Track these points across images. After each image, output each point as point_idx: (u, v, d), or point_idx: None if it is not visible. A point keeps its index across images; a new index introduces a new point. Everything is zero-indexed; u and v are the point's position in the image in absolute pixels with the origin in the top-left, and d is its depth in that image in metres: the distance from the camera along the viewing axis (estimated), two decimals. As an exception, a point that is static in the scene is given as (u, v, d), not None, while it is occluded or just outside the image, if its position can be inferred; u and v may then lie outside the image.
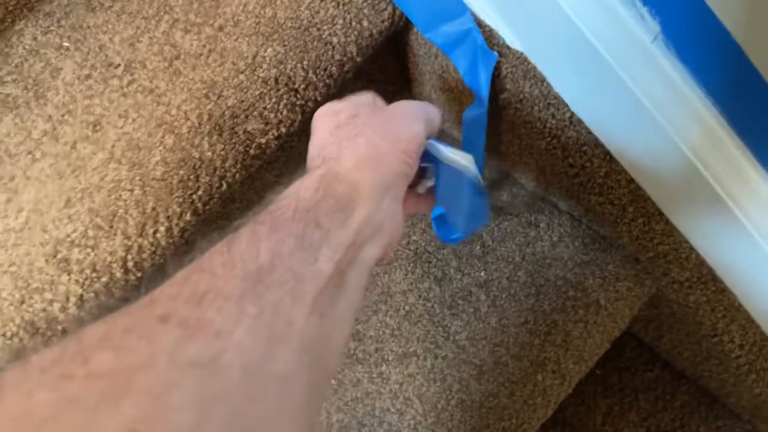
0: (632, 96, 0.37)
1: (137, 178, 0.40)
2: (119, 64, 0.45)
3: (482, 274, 0.54)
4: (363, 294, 0.29)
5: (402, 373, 0.52)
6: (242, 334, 0.21)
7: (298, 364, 0.22)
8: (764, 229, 0.41)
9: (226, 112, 0.41)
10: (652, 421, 0.66)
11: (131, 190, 0.40)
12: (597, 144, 0.44)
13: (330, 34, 0.43)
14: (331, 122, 0.32)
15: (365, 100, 0.34)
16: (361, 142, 0.30)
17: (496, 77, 0.45)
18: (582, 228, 0.54)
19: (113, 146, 0.41)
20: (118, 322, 0.20)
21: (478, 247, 0.55)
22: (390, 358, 0.52)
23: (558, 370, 0.49)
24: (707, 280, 0.48)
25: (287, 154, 0.52)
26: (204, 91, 0.42)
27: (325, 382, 0.26)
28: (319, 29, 0.43)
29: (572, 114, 0.44)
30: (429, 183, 0.38)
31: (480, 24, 0.44)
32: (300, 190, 0.27)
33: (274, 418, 0.21)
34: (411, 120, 0.33)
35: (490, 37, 0.44)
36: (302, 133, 0.49)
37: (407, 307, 0.54)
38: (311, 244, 0.25)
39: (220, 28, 0.44)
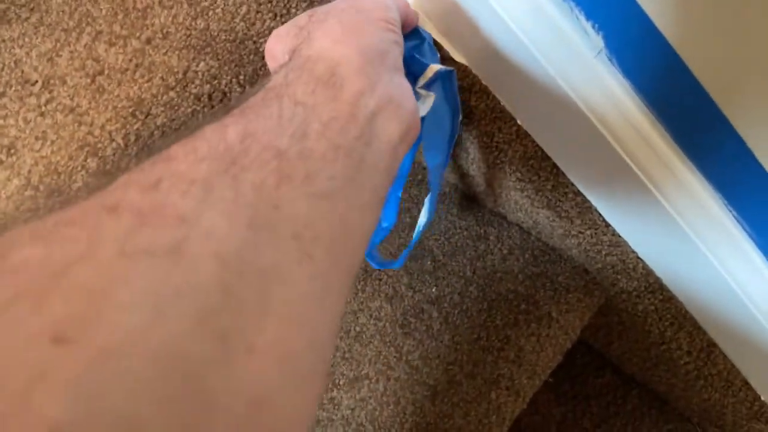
0: (577, 110, 0.37)
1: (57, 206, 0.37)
2: (36, 81, 0.41)
3: (434, 290, 0.53)
4: (389, 177, 0.25)
5: (354, 397, 0.50)
6: (214, 218, 0.17)
7: (293, 254, 0.19)
8: (707, 239, 0.41)
9: (156, 132, 0.38)
10: (605, 427, 0.67)
11: (51, 219, 0.36)
12: (544, 157, 0.44)
13: (267, 48, 0.41)
14: (291, 30, 0.29)
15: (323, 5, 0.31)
16: (332, 22, 0.27)
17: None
18: (531, 240, 0.53)
19: (30, 171, 0.38)
20: (56, 216, 0.16)
21: (429, 263, 0.54)
22: (341, 383, 0.50)
23: (512, 386, 0.48)
24: (654, 289, 0.49)
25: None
26: (130, 110, 0.39)
27: (343, 273, 0.21)
28: (255, 42, 0.40)
29: (519, 128, 0.43)
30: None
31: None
32: (266, 82, 0.24)
33: (263, 316, 0.17)
34: None
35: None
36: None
37: (358, 328, 0.52)
38: (292, 120, 0.22)
39: (148, 41, 0.41)
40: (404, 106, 0.26)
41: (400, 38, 0.29)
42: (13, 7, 0.45)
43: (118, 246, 0.15)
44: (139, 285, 0.15)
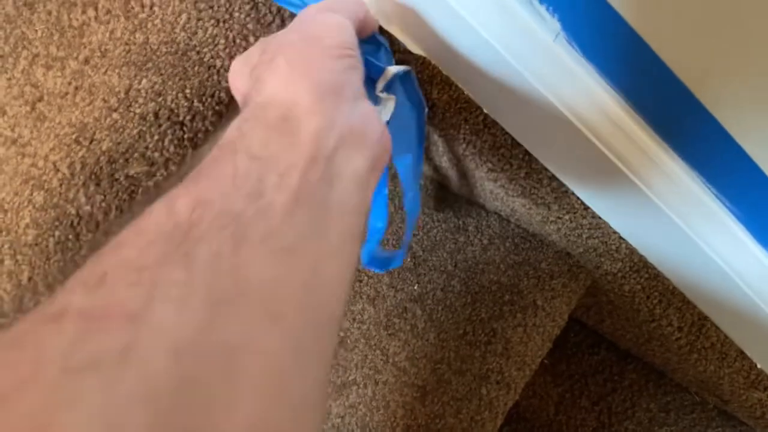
0: (541, 96, 0.35)
1: (6, 246, 0.35)
2: (-26, 113, 0.39)
3: (416, 287, 0.51)
4: (361, 213, 0.24)
5: (343, 404, 0.49)
6: (166, 308, 0.16)
7: (262, 320, 0.18)
8: (685, 215, 0.40)
9: (102, 158, 0.36)
10: (603, 404, 0.66)
11: (0, 261, 0.35)
12: (514, 145, 0.42)
13: (212, 57, 0.38)
14: (244, 69, 0.28)
15: (275, 34, 0.29)
16: (280, 62, 0.25)
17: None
18: (511, 228, 0.52)
19: (-26, 211, 0.36)
20: (2, 338, 0.16)
21: (409, 259, 0.52)
22: (329, 390, 0.49)
23: (502, 380, 0.47)
24: (639, 268, 0.47)
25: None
26: (74, 136, 0.37)
27: (321, 325, 0.20)
28: (199, 52, 0.38)
29: (486, 117, 0.41)
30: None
31: (379, 31, 0.41)
32: (220, 140, 0.23)
33: (234, 394, 0.16)
34: (325, 15, 0.28)
35: (390, 43, 0.41)
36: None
37: (342, 333, 0.51)
38: (247, 177, 0.20)
39: (86, 61, 0.39)
40: (368, 134, 0.25)
41: (357, 61, 0.27)
42: (-56, 35, 0.43)
43: (62, 362, 0.15)
44: (86, 404, 0.14)
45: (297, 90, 0.24)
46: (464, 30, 0.34)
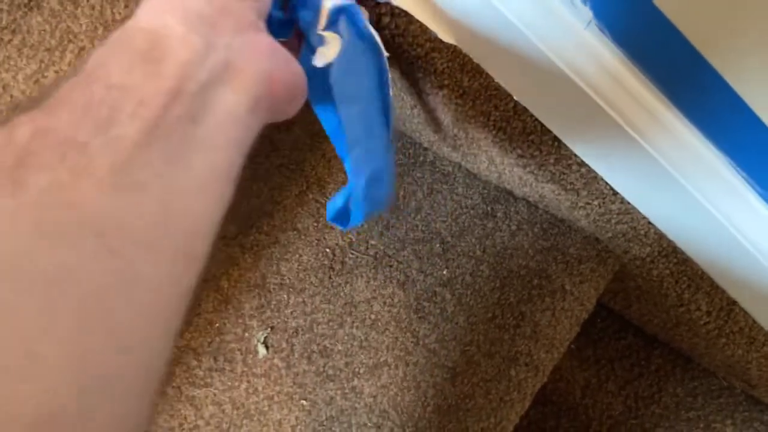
0: (573, 83, 0.36)
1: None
2: (26, 104, 0.41)
3: (445, 272, 0.52)
4: (236, 151, 0.23)
5: (375, 384, 0.50)
6: None
7: (90, 252, 0.17)
8: (714, 198, 0.40)
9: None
10: (630, 388, 0.67)
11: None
12: (544, 131, 0.43)
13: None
14: None
15: None
16: None
17: (433, 73, 0.43)
18: (539, 213, 0.53)
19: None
20: None
21: (438, 245, 0.53)
22: (361, 371, 0.51)
23: (531, 362, 0.48)
24: (668, 252, 0.48)
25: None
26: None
27: (170, 262, 0.20)
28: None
29: (516, 104, 0.42)
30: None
31: (411, 20, 0.42)
32: (80, 63, 0.21)
33: (50, 322, 0.16)
34: None
35: (422, 32, 0.42)
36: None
37: (373, 316, 0.52)
38: (100, 107, 0.19)
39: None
40: (249, 71, 0.23)
41: None
42: (-5, 31, 0.45)
43: None
44: None
45: (170, 17, 0.22)
46: (496, 18, 0.35)
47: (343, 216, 0.35)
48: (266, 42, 0.25)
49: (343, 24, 0.32)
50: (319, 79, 0.32)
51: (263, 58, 0.24)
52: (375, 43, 0.34)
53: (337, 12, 0.32)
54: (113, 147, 0.19)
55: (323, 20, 0.32)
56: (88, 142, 0.18)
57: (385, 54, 0.35)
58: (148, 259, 0.19)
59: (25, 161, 0.18)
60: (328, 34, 0.32)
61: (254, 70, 0.24)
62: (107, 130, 0.19)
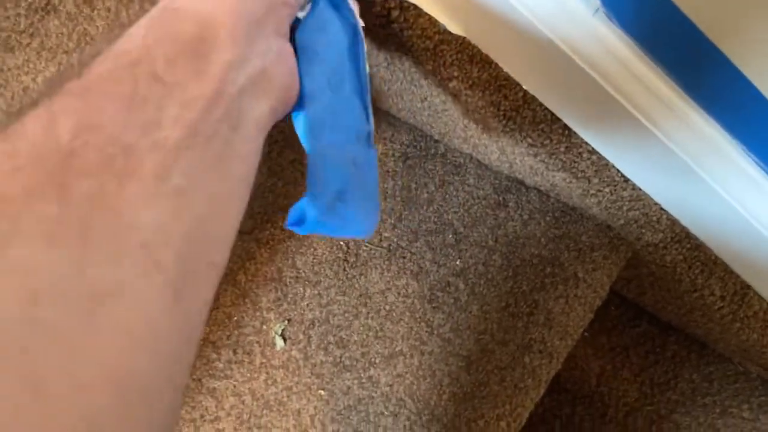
0: (581, 70, 0.36)
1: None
2: (46, 106, 0.42)
3: (458, 262, 0.53)
4: (256, 161, 0.22)
5: (391, 374, 0.51)
6: (25, 246, 0.15)
7: (138, 266, 0.17)
8: (724, 181, 0.40)
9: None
10: (645, 375, 0.67)
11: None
12: (554, 120, 0.43)
13: None
14: None
15: None
16: None
17: (442, 65, 0.43)
18: (551, 202, 0.53)
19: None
20: None
21: (451, 236, 0.54)
22: (377, 361, 0.52)
23: (545, 349, 0.49)
24: (681, 238, 0.48)
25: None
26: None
27: (201, 273, 0.19)
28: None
29: (525, 93, 0.43)
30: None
31: (420, 13, 0.42)
32: (122, 44, 0.19)
33: (91, 342, 0.15)
34: None
35: (431, 24, 0.42)
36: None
37: (387, 307, 0.53)
38: (146, 104, 0.18)
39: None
40: (277, 81, 0.23)
41: None
42: (13, 35, 0.46)
43: None
44: None
45: (219, 7, 0.21)
46: (504, 8, 0.36)
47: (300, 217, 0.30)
48: (292, 53, 0.25)
49: None
50: None
51: (289, 70, 0.24)
52: (349, 10, 0.32)
53: None
54: (158, 150, 0.18)
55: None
56: (134, 144, 0.17)
57: (360, 23, 0.33)
58: (185, 271, 0.18)
59: (70, 164, 0.16)
60: None
61: (282, 82, 0.23)
62: (153, 132, 0.18)
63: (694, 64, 0.33)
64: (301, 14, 0.29)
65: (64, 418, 0.14)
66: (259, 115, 0.22)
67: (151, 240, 0.17)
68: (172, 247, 0.18)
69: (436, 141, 0.57)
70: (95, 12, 0.45)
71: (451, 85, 0.44)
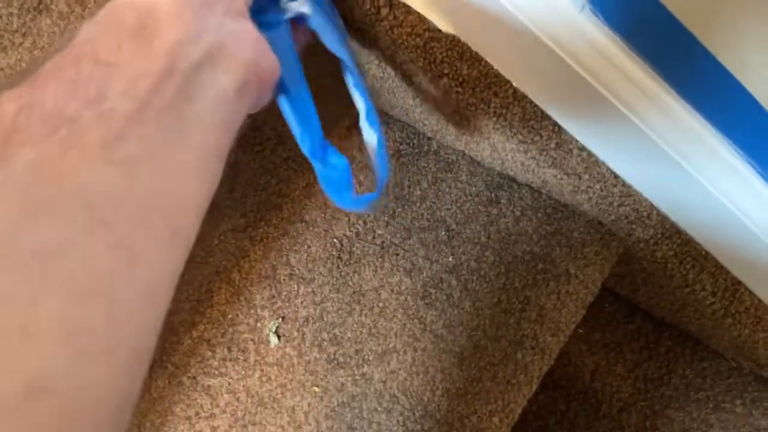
0: (570, 68, 0.37)
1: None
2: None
3: (450, 259, 0.53)
4: (225, 132, 0.23)
5: (384, 370, 0.51)
6: None
7: (83, 226, 0.18)
8: (714, 178, 0.40)
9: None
10: (639, 371, 0.67)
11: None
12: (544, 117, 0.44)
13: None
14: None
15: None
16: None
17: (432, 63, 0.44)
18: (543, 199, 0.53)
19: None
20: None
21: (443, 233, 0.54)
22: (370, 358, 0.52)
23: (537, 345, 0.49)
24: (671, 234, 0.48)
25: (235, 169, 0.51)
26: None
27: (162, 238, 0.20)
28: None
29: (515, 90, 0.43)
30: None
31: (409, 11, 0.42)
32: (68, 41, 0.21)
33: (40, 297, 0.16)
34: None
35: (420, 22, 0.42)
36: (246, 145, 0.48)
37: (381, 304, 0.53)
38: (89, 83, 0.19)
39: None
40: (239, 55, 0.24)
41: None
42: (6, 34, 0.46)
43: None
44: None
45: None
46: (493, 5, 0.36)
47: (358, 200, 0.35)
48: (253, 30, 0.26)
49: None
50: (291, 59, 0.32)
51: (251, 46, 0.25)
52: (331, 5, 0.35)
53: None
54: (104, 121, 0.19)
55: None
56: (79, 116, 0.18)
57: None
58: (139, 233, 0.19)
59: (12, 137, 0.18)
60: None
61: (244, 56, 0.24)
62: (98, 104, 0.19)
63: (679, 60, 0.33)
64: (304, 8, 0.32)
65: (14, 366, 0.15)
66: (220, 89, 0.23)
67: (96, 202, 0.18)
68: (123, 209, 0.19)
69: (429, 138, 0.57)
70: (86, 11, 0.45)
71: (441, 82, 0.44)
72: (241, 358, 0.53)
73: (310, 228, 0.56)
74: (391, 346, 0.52)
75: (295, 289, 0.54)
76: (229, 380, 0.53)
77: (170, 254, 0.21)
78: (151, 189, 0.20)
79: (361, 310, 0.53)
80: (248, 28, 0.25)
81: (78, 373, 0.16)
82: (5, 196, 0.17)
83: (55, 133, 0.18)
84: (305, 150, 0.32)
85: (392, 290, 0.53)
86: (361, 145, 0.58)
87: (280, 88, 0.31)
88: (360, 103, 0.36)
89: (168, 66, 0.21)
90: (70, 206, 0.17)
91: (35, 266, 0.16)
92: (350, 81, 0.35)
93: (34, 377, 0.15)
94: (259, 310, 0.54)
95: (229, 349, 0.53)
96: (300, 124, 0.32)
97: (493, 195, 0.54)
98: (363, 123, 0.35)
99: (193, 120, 0.21)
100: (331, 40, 0.33)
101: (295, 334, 0.53)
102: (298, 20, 0.33)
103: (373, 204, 0.34)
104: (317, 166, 0.33)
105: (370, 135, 0.35)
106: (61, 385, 0.16)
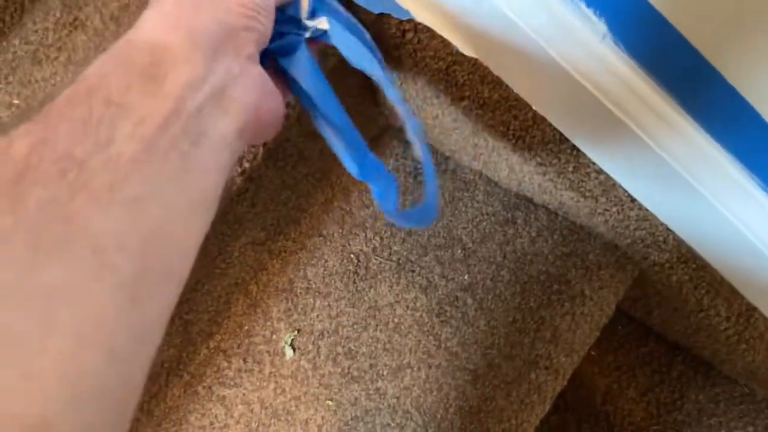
0: (590, 95, 0.37)
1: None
2: (72, 117, 0.44)
3: (466, 277, 0.54)
4: (223, 175, 0.23)
5: (398, 386, 0.52)
6: None
7: (90, 268, 0.18)
8: (730, 204, 0.41)
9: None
10: (651, 395, 0.67)
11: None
12: (562, 140, 0.44)
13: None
14: None
15: None
16: (166, 1, 0.23)
17: (454, 85, 0.45)
18: (559, 220, 0.54)
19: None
20: None
21: (460, 251, 0.55)
22: (385, 373, 0.52)
23: (551, 365, 0.50)
24: (687, 258, 0.49)
25: (257, 184, 0.52)
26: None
27: (161, 280, 0.20)
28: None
29: (534, 113, 0.44)
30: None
31: (433, 35, 0.44)
32: (80, 77, 0.21)
33: (45, 338, 0.16)
34: None
35: (444, 46, 0.43)
36: (269, 160, 0.49)
37: (396, 320, 0.54)
38: (99, 124, 0.20)
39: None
40: (241, 99, 0.24)
41: (257, 23, 0.26)
42: (41, 48, 0.48)
43: None
44: None
45: (173, 33, 0.22)
46: (516, 32, 0.37)
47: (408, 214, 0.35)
48: (259, 74, 0.26)
49: (326, 7, 0.33)
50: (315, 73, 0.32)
51: (255, 90, 0.25)
52: (356, 22, 0.35)
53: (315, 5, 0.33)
54: (112, 164, 0.19)
55: (306, 4, 0.32)
56: (87, 159, 0.19)
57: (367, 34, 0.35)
58: (140, 274, 0.19)
59: (24, 176, 0.18)
60: (309, 23, 0.32)
61: (246, 99, 0.24)
62: (105, 148, 0.19)
63: (698, 88, 0.34)
64: (324, 25, 0.32)
65: (17, 410, 0.16)
66: (222, 132, 0.23)
67: (103, 245, 0.18)
68: (127, 252, 0.19)
69: (447, 157, 0.58)
70: (121, 29, 0.47)
71: (462, 104, 0.45)
72: (257, 369, 0.54)
73: (328, 243, 0.56)
74: (405, 362, 0.52)
75: (312, 302, 0.55)
76: (244, 391, 0.53)
77: (165, 295, 0.21)
78: (153, 231, 0.20)
79: (377, 325, 0.54)
80: (254, 71, 0.26)
81: (76, 415, 0.17)
82: (18, 237, 0.17)
83: (64, 176, 0.18)
84: (353, 174, 0.32)
85: (407, 306, 0.54)
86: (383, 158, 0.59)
87: (315, 113, 0.31)
88: (402, 116, 0.35)
89: (175, 107, 0.21)
90: (77, 248, 0.18)
91: (43, 308, 0.17)
92: (390, 96, 0.35)
93: (37, 423, 0.16)
94: (275, 323, 0.55)
95: (245, 360, 0.54)
96: (344, 149, 0.32)
97: (509, 215, 0.55)
98: (410, 136, 0.35)
99: (195, 162, 0.22)
100: (356, 55, 0.33)
101: (311, 347, 0.54)
102: (316, 37, 0.33)
103: (425, 215, 0.34)
104: (371, 186, 0.33)
105: (415, 148, 0.34)
106: (60, 429, 0.16)
